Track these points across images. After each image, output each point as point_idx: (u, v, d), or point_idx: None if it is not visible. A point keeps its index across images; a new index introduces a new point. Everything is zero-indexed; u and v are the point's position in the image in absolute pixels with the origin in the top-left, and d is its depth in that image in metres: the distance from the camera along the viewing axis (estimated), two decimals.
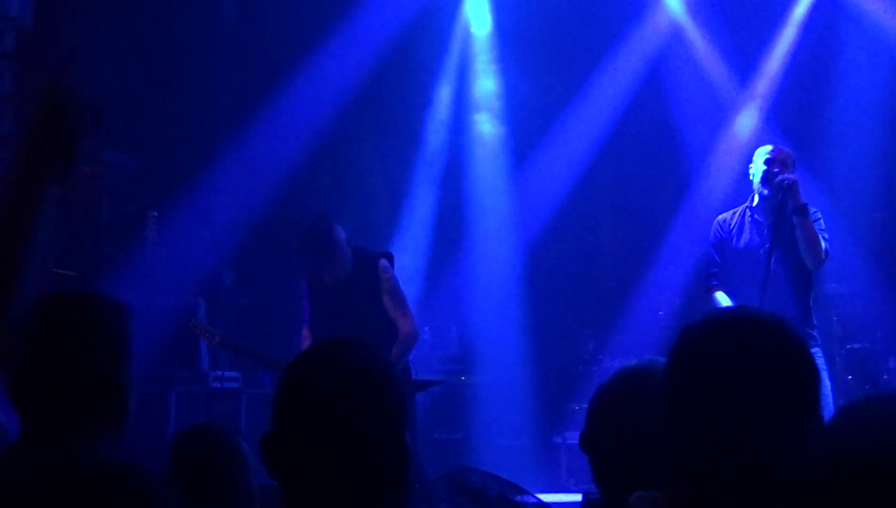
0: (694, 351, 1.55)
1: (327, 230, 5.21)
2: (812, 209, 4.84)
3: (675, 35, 8.46)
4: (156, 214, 6.42)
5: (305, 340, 5.37)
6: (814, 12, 8.19)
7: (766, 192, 4.85)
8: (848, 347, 7.27)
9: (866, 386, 7.19)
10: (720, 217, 5.10)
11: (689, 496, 1.50)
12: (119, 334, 1.97)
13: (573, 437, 7.14)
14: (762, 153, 4.93)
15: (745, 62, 8.33)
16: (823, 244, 4.80)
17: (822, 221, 4.88)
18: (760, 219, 4.93)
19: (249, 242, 7.72)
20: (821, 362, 4.76)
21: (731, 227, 5.01)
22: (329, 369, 1.65)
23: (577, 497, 5.29)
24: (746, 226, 4.97)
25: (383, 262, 5.31)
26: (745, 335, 1.53)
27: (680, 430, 1.52)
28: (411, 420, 5.14)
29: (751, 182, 4.98)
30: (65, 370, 1.88)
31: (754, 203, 4.96)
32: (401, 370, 5.20)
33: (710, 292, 4.98)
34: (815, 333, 4.90)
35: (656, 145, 8.52)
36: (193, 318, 5.62)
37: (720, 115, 8.37)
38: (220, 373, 6.38)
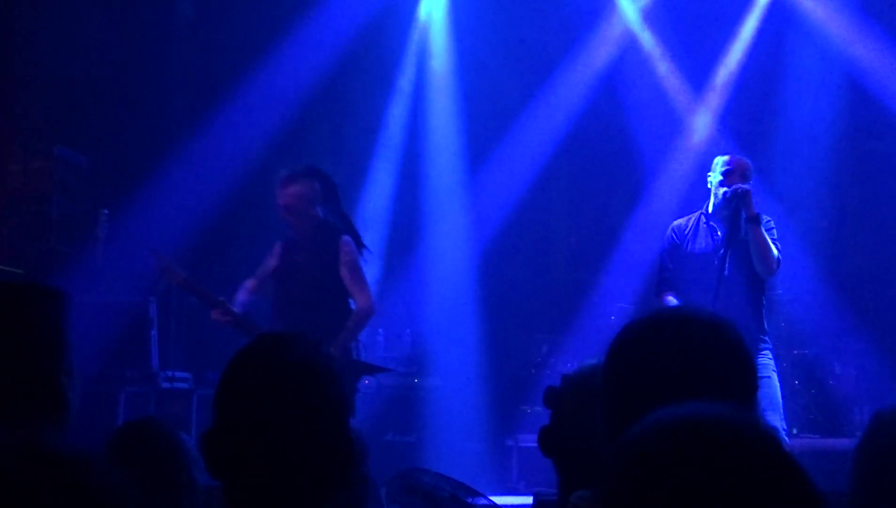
0: (629, 348, 1.56)
1: (313, 170, 5.24)
2: (765, 218, 4.89)
3: (631, 42, 8.54)
4: (107, 211, 6.34)
5: (243, 289, 5.33)
6: (765, 23, 8.32)
7: (722, 194, 4.88)
8: (795, 352, 7.38)
9: (812, 391, 7.30)
10: (675, 223, 5.13)
11: None
12: (54, 323, 1.89)
13: (525, 440, 7.16)
14: (721, 163, 4.99)
15: (698, 70, 8.43)
16: (775, 253, 4.85)
17: (775, 230, 4.93)
18: (715, 226, 4.98)
19: (202, 240, 7.65)
20: (772, 364, 4.85)
21: (686, 232, 5.04)
22: (269, 363, 1.62)
23: (528, 500, 5.32)
24: (701, 232, 5.01)
25: (346, 237, 5.31)
26: (678, 333, 1.53)
27: (617, 427, 1.53)
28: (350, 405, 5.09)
29: (706, 189, 5.03)
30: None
31: (709, 210, 5.01)
32: (346, 350, 5.14)
33: (660, 296, 5.02)
34: (766, 338, 4.95)
35: (611, 151, 8.59)
36: (158, 256, 5.32)
37: (674, 122, 8.46)
38: (170, 373, 6.30)
